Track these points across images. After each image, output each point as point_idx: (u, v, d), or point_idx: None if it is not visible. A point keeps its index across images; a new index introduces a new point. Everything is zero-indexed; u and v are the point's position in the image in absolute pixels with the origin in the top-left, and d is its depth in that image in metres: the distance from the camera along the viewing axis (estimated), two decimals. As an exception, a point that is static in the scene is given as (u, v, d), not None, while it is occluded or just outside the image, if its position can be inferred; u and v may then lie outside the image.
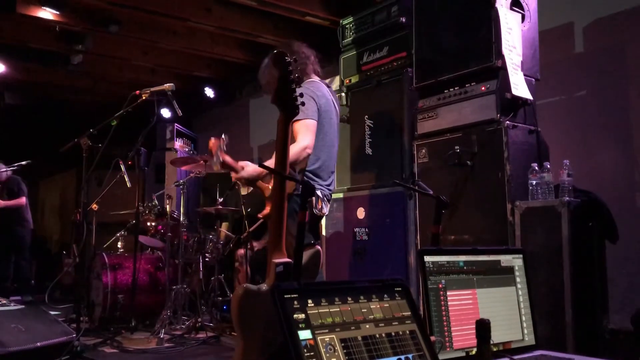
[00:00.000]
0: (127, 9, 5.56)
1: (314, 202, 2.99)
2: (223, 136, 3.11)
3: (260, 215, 3.06)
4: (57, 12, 5.52)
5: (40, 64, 7.06)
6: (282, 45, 3.32)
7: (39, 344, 3.31)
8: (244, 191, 3.58)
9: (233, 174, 2.99)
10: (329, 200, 3.17)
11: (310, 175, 3.06)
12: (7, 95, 8.20)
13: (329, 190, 3.17)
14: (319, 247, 2.67)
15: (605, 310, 2.88)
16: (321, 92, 3.11)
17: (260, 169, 2.93)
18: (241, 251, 5.06)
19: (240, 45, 6.75)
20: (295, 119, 2.89)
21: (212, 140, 3.06)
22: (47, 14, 5.54)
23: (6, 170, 6.50)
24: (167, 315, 4.55)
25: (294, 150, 2.90)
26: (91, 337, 4.34)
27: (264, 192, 3.15)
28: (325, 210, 3.10)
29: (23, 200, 7.02)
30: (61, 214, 11.06)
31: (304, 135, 2.95)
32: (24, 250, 7.15)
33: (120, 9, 5.59)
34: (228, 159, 2.94)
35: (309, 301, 1.04)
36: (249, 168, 2.93)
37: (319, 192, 3.04)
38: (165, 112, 7.54)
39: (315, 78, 3.25)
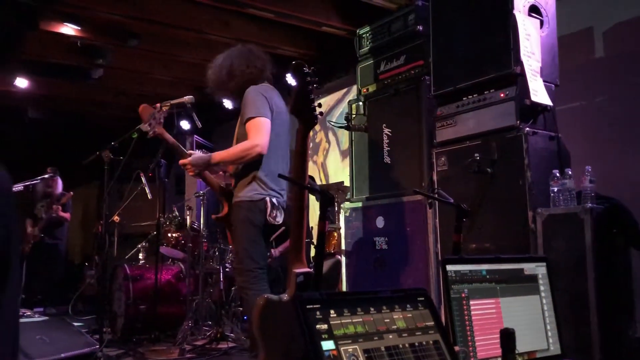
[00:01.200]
0: (145, 23, 5.65)
1: (268, 210, 2.93)
2: (159, 105, 3.20)
3: (214, 217, 3.09)
4: (78, 28, 5.62)
5: (62, 78, 7.18)
6: (243, 50, 3.34)
7: (63, 355, 3.36)
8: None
9: (181, 160, 3.04)
10: (284, 208, 3.08)
11: (262, 179, 3.00)
12: (31, 110, 8.35)
13: (282, 196, 3.09)
14: (339, 257, 2.66)
15: (632, 319, 2.82)
16: (271, 94, 3.12)
17: (207, 158, 3.01)
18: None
19: (258, 57, 6.80)
20: (248, 116, 2.95)
21: (143, 107, 3.25)
22: (68, 29, 5.65)
23: (47, 179, 6.59)
24: (188, 325, 4.57)
25: (243, 146, 2.92)
26: (114, 348, 4.37)
27: (212, 186, 3.18)
28: (280, 219, 3.00)
29: (68, 216, 7.15)
30: (83, 226, 11.20)
31: (255, 134, 2.91)
32: (59, 263, 7.18)
33: (139, 23, 5.68)
34: (168, 136, 3.08)
35: (332, 311, 1.03)
36: (196, 155, 3.00)
37: (274, 200, 2.98)
38: (185, 124, 7.61)
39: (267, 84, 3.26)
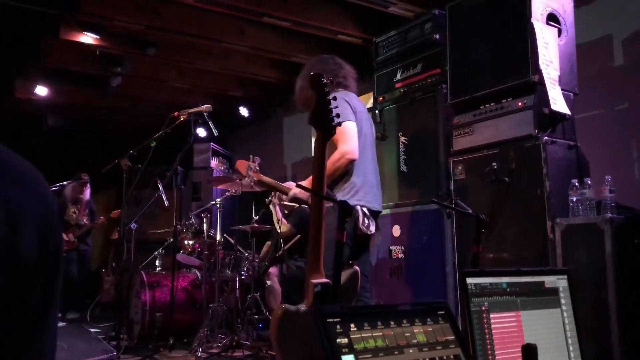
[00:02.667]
0: (163, 32, 5.71)
1: (360, 219, 2.80)
2: (252, 157, 3.19)
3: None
4: (98, 37, 5.70)
5: (81, 86, 7.28)
6: (322, 59, 3.27)
7: (80, 361, 3.39)
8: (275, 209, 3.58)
9: (281, 197, 2.95)
10: (374, 217, 2.95)
11: (350, 186, 2.87)
12: (50, 117, 8.46)
13: (371, 205, 2.95)
14: (357, 268, 2.65)
15: (654, 331, 2.77)
16: (349, 97, 3.02)
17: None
18: (273, 269, 5.09)
19: (274, 65, 6.84)
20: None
21: (238, 162, 3.15)
22: (88, 38, 5.72)
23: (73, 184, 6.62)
24: (204, 333, 4.58)
25: (331, 159, 2.75)
26: (130, 355, 4.39)
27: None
28: (372, 228, 2.88)
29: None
30: (101, 232, 11.29)
31: (342, 141, 2.77)
32: (87, 269, 7.22)
33: (157, 32, 5.74)
34: (267, 179, 2.90)
35: (352, 325, 1.03)
36: (295, 190, 2.89)
37: (365, 210, 2.87)
38: (201, 132, 7.67)
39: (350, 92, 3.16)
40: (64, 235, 6.67)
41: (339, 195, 2.85)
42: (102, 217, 6.92)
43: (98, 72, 6.70)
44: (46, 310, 0.70)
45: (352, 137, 2.81)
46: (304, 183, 2.67)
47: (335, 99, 2.09)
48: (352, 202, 2.81)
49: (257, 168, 3.22)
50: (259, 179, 3.21)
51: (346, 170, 2.85)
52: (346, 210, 1.87)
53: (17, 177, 0.68)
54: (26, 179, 0.70)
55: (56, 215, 0.72)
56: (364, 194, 2.93)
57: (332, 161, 2.74)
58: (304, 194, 2.87)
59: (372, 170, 3.02)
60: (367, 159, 2.99)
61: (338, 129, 2.75)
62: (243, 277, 5.07)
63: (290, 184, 2.99)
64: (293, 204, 3.06)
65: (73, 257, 6.82)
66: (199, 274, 5.37)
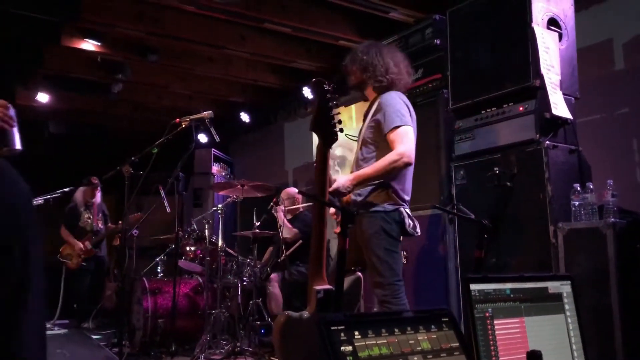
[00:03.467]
0: (164, 39, 5.72)
1: (406, 219, 2.76)
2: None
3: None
4: (99, 44, 5.71)
5: (82, 93, 7.29)
6: (392, 50, 3.11)
7: (83, 369, 3.38)
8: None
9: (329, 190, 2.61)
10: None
11: (395, 189, 2.81)
12: (52, 124, 8.47)
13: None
14: (360, 274, 2.64)
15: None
16: (408, 102, 2.93)
17: (352, 179, 2.75)
18: (274, 275, 5.09)
19: (275, 71, 6.85)
20: (393, 125, 2.73)
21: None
22: (89, 45, 5.74)
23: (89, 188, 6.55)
24: (206, 339, 4.57)
25: (390, 158, 2.69)
26: (132, 361, 4.39)
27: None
28: (418, 229, 2.84)
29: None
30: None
31: (399, 143, 2.70)
32: (103, 274, 6.96)
33: (158, 39, 5.75)
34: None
35: (356, 333, 1.03)
36: (339, 181, 2.69)
37: (407, 210, 2.83)
38: (202, 137, 7.67)
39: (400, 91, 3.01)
40: (80, 244, 6.59)
41: (381, 197, 2.80)
42: (120, 222, 6.63)
43: (99, 78, 6.71)
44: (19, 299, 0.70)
45: (411, 140, 2.77)
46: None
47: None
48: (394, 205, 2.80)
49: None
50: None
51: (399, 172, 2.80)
52: (349, 217, 1.87)
53: None
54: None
55: (29, 202, 0.71)
56: (407, 197, 2.90)
57: (390, 161, 2.69)
58: (345, 189, 2.69)
59: (411, 175, 2.97)
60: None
61: (399, 130, 2.72)
62: (245, 283, 5.07)
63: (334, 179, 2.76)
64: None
65: (90, 267, 6.58)
66: (200, 280, 5.36)
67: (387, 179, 2.75)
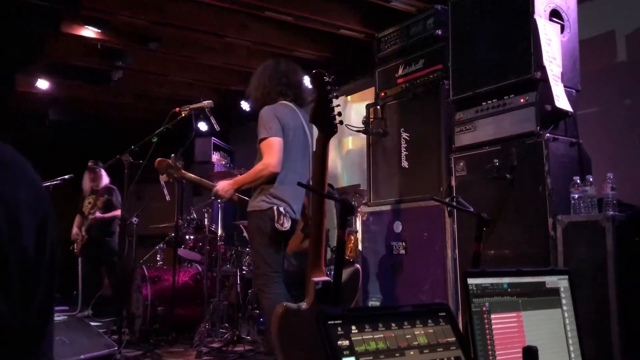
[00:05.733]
0: (166, 27, 5.70)
1: (275, 216, 3.06)
2: (172, 156, 3.63)
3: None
4: (99, 31, 5.69)
5: (82, 80, 7.27)
6: (266, 67, 3.47)
7: (82, 356, 3.39)
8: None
9: (212, 191, 3.34)
10: (292, 217, 3.17)
11: (269, 190, 3.16)
12: (52, 112, 8.45)
13: (291, 208, 3.18)
14: (359, 266, 2.66)
15: (655, 329, 2.78)
16: (283, 112, 3.24)
17: (231, 183, 3.30)
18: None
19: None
20: (260, 137, 3.16)
21: (158, 161, 3.64)
22: (89, 32, 5.71)
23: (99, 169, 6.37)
24: (205, 328, 4.60)
25: (256, 168, 3.14)
26: (132, 349, 4.41)
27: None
28: (287, 225, 3.10)
29: (119, 212, 6.20)
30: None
31: (267, 154, 3.10)
32: (104, 263, 6.54)
33: (159, 27, 5.73)
34: (190, 176, 3.47)
35: (353, 327, 1.03)
36: (220, 184, 3.32)
37: (281, 209, 3.10)
38: (202, 126, 7.66)
39: (285, 101, 3.37)
40: (75, 228, 6.42)
41: (258, 198, 3.18)
42: (101, 198, 6.36)
43: (100, 66, 6.68)
44: (50, 307, 0.66)
45: (277, 152, 3.12)
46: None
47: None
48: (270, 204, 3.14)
49: (179, 165, 3.63)
50: (182, 175, 3.63)
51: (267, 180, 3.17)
52: (348, 209, 1.87)
53: (5, 164, 0.64)
54: (15, 165, 0.65)
55: (48, 200, 0.67)
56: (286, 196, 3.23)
57: (256, 170, 3.14)
58: (225, 193, 3.24)
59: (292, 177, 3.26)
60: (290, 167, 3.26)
61: (264, 142, 3.12)
62: (244, 272, 5.09)
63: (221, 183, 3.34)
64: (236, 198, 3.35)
65: (91, 254, 6.37)
66: (200, 269, 5.38)
67: (262, 184, 3.15)
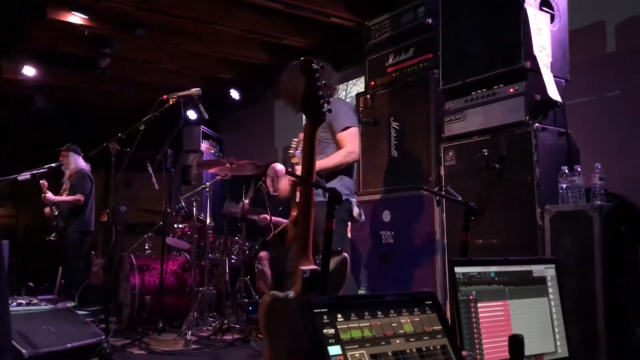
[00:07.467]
0: (153, 14, 5.63)
1: (354, 210, 3.28)
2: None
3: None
4: (86, 17, 5.61)
5: (69, 68, 7.18)
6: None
7: (69, 345, 3.37)
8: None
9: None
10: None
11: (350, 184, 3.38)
12: (38, 99, 8.35)
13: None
14: (347, 255, 2.66)
15: (639, 319, 2.80)
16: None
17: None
18: (263, 253, 5.08)
19: (265, 48, 6.76)
20: (344, 125, 3.29)
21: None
22: (76, 18, 5.63)
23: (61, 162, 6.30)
24: (193, 316, 4.59)
25: (342, 154, 3.29)
26: (119, 338, 4.40)
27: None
28: (363, 216, 3.39)
29: (78, 197, 6.21)
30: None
31: (351, 142, 3.30)
32: (62, 250, 6.35)
33: (146, 14, 5.65)
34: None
35: (339, 316, 1.03)
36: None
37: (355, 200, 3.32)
38: (191, 114, 7.60)
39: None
40: (47, 209, 6.34)
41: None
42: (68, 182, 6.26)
43: (86, 53, 6.60)
44: None
45: (359, 141, 3.42)
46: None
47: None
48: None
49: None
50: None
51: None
52: (335, 198, 1.86)
53: None
54: None
55: None
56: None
57: (343, 155, 3.29)
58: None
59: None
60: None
61: (350, 130, 3.29)
62: (233, 261, 5.07)
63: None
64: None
65: (56, 241, 6.29)
66: (188, 258, 5.36)
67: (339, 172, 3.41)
